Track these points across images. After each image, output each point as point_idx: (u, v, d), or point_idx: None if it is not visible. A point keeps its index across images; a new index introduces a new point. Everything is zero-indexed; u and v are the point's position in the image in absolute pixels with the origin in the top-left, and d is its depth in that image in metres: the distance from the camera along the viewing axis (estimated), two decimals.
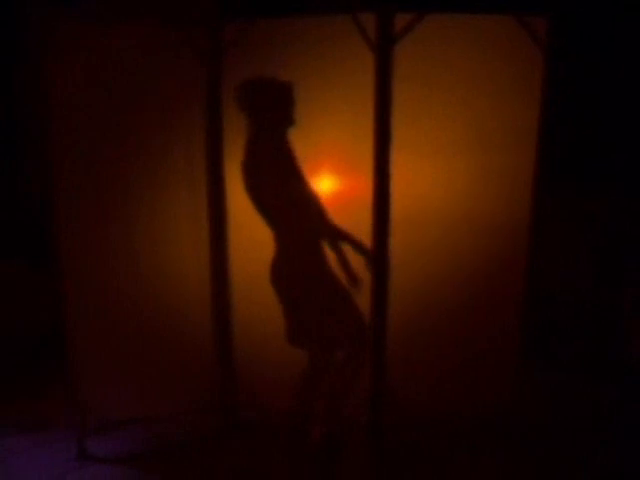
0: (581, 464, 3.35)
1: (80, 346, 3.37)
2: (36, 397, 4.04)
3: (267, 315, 3.53)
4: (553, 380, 4.17)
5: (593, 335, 4.37)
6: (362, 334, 3.23)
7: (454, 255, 3.41)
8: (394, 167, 2.90)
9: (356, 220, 3.11)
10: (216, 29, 3.29)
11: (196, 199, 3.50)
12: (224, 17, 3.34)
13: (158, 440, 3.60)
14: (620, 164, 4.40)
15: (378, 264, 2.99)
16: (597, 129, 4.48)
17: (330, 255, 3.24)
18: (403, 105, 2.92)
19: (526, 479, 3.29)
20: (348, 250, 3.22)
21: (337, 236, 3.20)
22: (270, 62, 3.18)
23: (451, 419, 3.63)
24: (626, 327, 3.66)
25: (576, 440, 3.55)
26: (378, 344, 3.08)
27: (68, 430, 3.53)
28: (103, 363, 3.47)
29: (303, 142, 3.18)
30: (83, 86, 3.18)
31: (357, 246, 3.19)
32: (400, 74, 2.80)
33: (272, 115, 3.10)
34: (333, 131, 3.09)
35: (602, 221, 4.40)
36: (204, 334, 3.64)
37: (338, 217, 3.16)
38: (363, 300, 3.17)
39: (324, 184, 3.29)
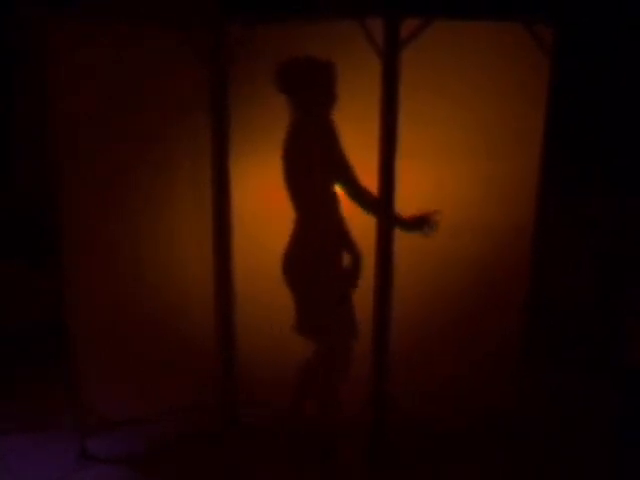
0: (581, 465, 3.38)
1: (81, 346, 3.36)
2: (37, 397, 4.03)
3: (269, 314, 3.57)
4: (555, 382, 4.19)
5: (595, 338, 4.41)
6: (352, 333, 3.25)
7: (458, 259, 3.43)
8: (399, 172, 2.91)
9: (361, 224, 3.12)
10: (220, 31, 3.28)
11: (200, 199, 3.50)
12: (227, 19, 3.31)
13: (159, 440, 3.60)
14: (622, 169, 4.42)
15: (382, 268, 3.00)
16: (601, 135, 4.50)
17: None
18: (409, 110, 2.95)
19: (526, 479, 3.32)
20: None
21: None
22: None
23: (452, 420, 3.66)
24: (627, 330, 3.69)
25: (576, 441, 3.58)
26: (380, 345, 3.09)
27: (69, 430, 3.53)
28: (104, 363, 3.47)
29: None
30: (84, 86, 3.17)
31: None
32: (407, 79, 2.81)
33: (316, 96, 3.04)
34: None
35: (604, 226, 4.43)
36: (205, 333, 3.64)
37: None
38: (367, 303, 3.19)
39: None
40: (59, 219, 3.22)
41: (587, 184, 4.47)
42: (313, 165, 3.04)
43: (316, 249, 3.15)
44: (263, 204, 3.46)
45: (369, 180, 3.00)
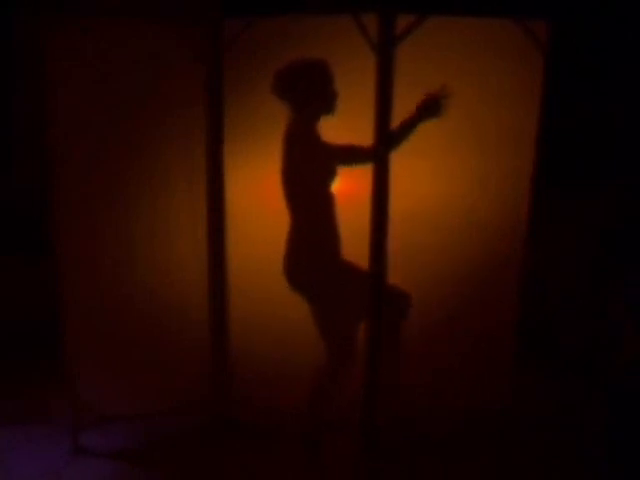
0: (580, 464, 3.38)
1: (75, 341, 3.38)
2: (32, 392, 4.04)
3: (264, 312, 3.57)
4: (549, 383, 4.19)
5: (588, 338, 4.40)
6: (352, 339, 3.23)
7: (451, 256, 3.43)
8: (393, 167, 2.91)
9: (354, 220, 3.11)
10: (216, 27, 3.30)
11: (195, 196, 3.51)
12: (224, 15, 3.33)
13: (152, 435, 3.62)
14: (621, 169, 4.42)
15: (375, 263, 2.99)
16: (596, 133, 4.50)
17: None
18: (403, 106, 2.96)
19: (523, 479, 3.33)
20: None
21: None
22: (271, 61, 3.19)
23: (447, 418, 3.65)
24: (623, 331, 3.68)
25: (570, 442, 3.57)
26: (374, 342, 3.08)
27: (63, 425, 3.55)
28: (98, 359, 3.49)
29: None
30: (83, 85, 3.20)
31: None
32: (401, 75, 2.81)
33: (315, 102, 3.08)
34: (333, 131, 3.09)
35: (598, 225, 4.43)
36: (200, 330, 3.66)
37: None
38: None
39: None
40: (53, 216, 3.25)
41: (583, 183, 4.46)
42: (311, 168, 3.06)
43: (317, 252, 3.16)
44: (258, 200, 3.48)
45: (363, 176, 3.00)
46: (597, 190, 4.44)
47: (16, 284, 4.52)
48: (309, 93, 3.06)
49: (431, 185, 3.39)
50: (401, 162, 2.98)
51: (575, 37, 4.18)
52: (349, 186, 3.19)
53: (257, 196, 3.48)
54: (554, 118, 3.48)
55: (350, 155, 3.08)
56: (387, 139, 2.82)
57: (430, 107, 3.10)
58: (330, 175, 3.08)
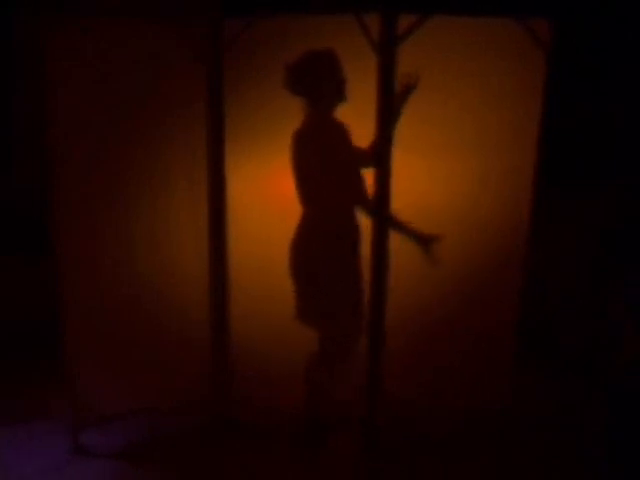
0: (580, 464, 3.38)
1: (75, 341, 3.37)
2: (32, 391, 4.04)
3: (265, 310, 3.58)
4: (550, 382, 4.20)
5: (588, 338, 4.40)
6: (357, 325, 3.22)
7: (452, 254, 3.42)
8: (394, 166, 2.91)
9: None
10: (216, 27, 3.30)
11: (196, 196, 3.51)
12: (224, 15, 3.33)
13: (152, 434, 3.63)
14: (618, 167, 4.42)
15: (377, 261, 3.00)
16: (596, 133, 4.50)
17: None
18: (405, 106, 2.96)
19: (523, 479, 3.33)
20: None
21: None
22: (272, 60, 3.19)
23: (447, 418, 3.65)
24: (623, 331, 3.69)
25: (570, 443, 3.57)
26: (375, 340, 3.09)
27: (63, 423, 3.55)
28: (98, 359, 3.47)
29: None
30: (83, 85, 3.19)
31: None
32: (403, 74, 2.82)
33: (327, 90, 3.08)
34: None
35: (598, 225, 4.44)
36: (200, 330, 3.66)
37: None
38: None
39: None
40: (53, 215, 3.23)
41: (585, 184, 4.47)
42: (328, 164, 3.05)
43: (327, 241, 3.16)
44: (259, 198, 3.48)
45: (365, 174, 3.01)
46: (597, 190, 4.44)
47: (16, 284, 4.52)
48: (320, 82, 3.06)
49: (432, 185, 3.39)
50: (403, 162, 2.99)
51: (575, 37, 4.17)
52: None
53: (258, 194, 3.49)
54: (554, 118, 3.48)
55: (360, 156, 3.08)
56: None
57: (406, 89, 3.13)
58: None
